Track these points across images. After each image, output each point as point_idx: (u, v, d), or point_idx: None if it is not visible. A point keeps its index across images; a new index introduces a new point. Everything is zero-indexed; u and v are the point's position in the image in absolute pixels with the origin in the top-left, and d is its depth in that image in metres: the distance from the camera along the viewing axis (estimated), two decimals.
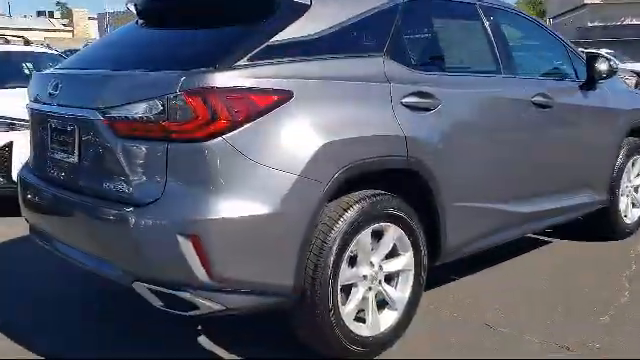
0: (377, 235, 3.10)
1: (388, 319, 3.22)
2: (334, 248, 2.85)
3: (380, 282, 3.16)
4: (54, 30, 67.93)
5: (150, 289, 2.72)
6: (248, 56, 2.72)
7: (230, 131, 2.59)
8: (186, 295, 2.65)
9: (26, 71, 7.39)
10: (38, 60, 7.61)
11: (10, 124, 5.79)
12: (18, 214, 3.47)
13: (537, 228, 4.36)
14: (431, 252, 3.38)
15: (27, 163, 3.61)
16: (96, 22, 68.34)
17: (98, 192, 2.84)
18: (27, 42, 8.41)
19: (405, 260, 3.25)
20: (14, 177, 5.74)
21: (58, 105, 3.03)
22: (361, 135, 2.94)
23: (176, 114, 2.57)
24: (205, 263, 2.57)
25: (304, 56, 2.90)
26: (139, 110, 2.64)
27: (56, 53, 8.16)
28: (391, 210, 3.09)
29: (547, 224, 4.39)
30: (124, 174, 2.71)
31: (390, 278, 3.23)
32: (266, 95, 2.68)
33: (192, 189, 2.60)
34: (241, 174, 2.61)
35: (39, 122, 3.31)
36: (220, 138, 2.57)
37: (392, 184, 3.15)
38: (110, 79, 2.87)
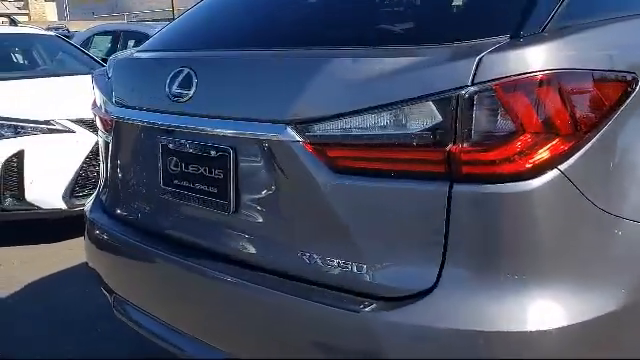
0: None
1: None
2: None
3: None
4: (8, 14, 64.47)
5: None
6: (554, 13, 1.49)
7: (569, 156, 1.36)
8: None
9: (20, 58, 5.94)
10: (37, 43, 6.14)
11: (19, 128, 4.41)
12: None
13: None
14: None
15: (99, 200, 2.32)
16: (54, 4, 65.39)
17: (286, 267, 1.60)
18: (13, 22, 6.93)
19: None
20: (27, 196, 4.39)
21: (192, 115, 1.74)
22: None
23: (471, 129, 1.33)
24: None
25: (617, 12, 1.68)
26: (385, 124, 1.40)
27: (53, 34, 6.68)
28: None
29: None
30: (350, 239, 1.48)
31: None
32: (611, 82, 1.46)
33: (506, 272, 1.37)
34: (590, 238, 1.40)
35: (136, 139, 2.03)
36: (555, 171, 1.35)
37: None
38: (311, 67, 1.54)
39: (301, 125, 1.49)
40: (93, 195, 2.43)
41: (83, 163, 4.43)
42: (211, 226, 1.80)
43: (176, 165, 1.85)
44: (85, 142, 4.44)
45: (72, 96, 4.83)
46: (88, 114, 4.52)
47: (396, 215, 1.43)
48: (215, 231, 1.79)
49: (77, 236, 4.47)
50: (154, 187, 1.95)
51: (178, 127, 1.79)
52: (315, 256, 1.54)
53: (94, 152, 4.45)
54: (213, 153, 1.72)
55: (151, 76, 1.90)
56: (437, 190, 1.37)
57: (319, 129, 1.48)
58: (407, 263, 1.43)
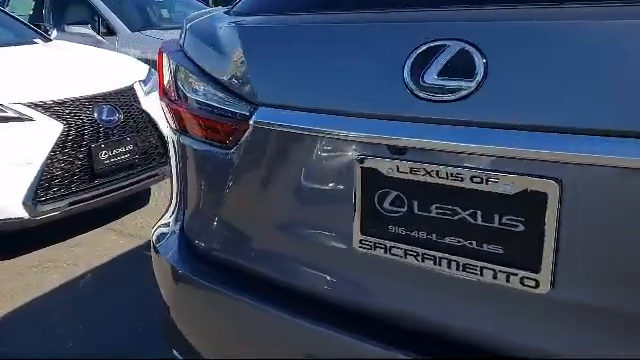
0: None
1: None
2: None
3: None
4: None
5: None
6: None
7: None
8: None
9: None
10: None
11: None
12: None
13: None
14: None
15: (187, 240, 1.52)
16: None
17: None
18: None
19: None
20: None
21: (471, 124, 0.98)
22: None
23: None
24: None
25: None
26: None
27: None
28: None
29: None
30: None
31: None
32: None
33: None
34: None
35: (300, 158, 1.24)
36: None
37: None
38: None
39: None
40: (166, 230, 1.62)
41: (47, 159, 3.47)
42: (488, 308, 1.07)
43: (399, 204, 1.09)
44: (48, 133, 3.48)
45: (24, 73, 3.82)
46: (50, 96, 3.57)
47: None
48: (500, 317, 1.06)
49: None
50: (337, 235, 1.19)
51: (425, 143, 1.03)
52: None
53: (60, 145, 3.51)
54: (505, 188, 0.98)
55: (360, 56, 1.12)
56: None
57: None
58: None
